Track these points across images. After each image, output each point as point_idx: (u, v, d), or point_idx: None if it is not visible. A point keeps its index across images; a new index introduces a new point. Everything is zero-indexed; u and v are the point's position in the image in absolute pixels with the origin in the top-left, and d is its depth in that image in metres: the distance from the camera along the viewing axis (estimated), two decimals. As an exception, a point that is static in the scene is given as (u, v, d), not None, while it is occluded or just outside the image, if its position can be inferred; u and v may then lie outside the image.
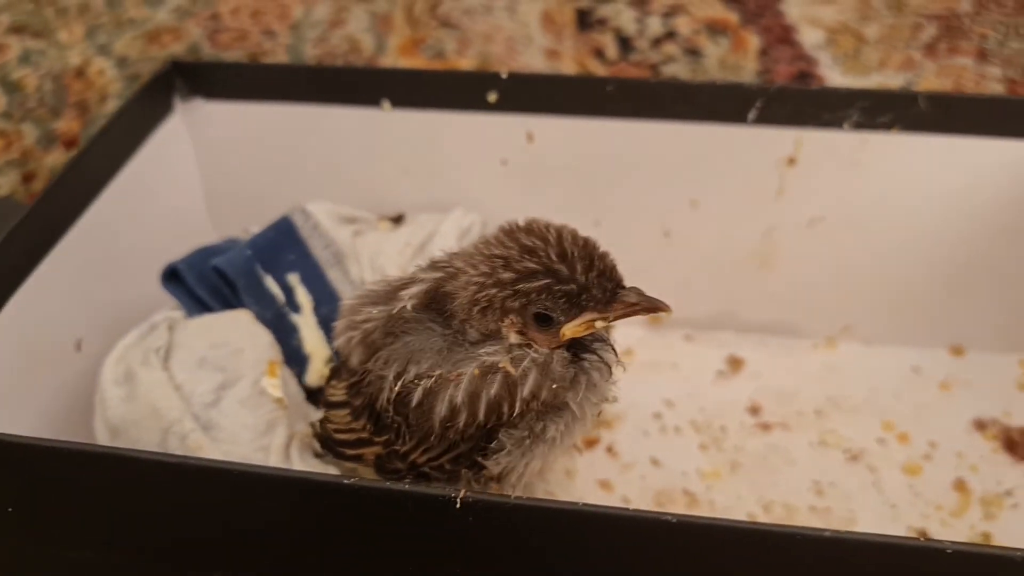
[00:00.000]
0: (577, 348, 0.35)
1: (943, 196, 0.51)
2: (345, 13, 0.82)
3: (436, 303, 0.36)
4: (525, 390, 0.33)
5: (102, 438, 0.44)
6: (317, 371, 0.48)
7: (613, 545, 0.32)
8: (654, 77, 0.73)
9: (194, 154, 0.57)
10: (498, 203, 0.55)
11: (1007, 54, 0.73)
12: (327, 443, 0.41)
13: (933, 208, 0.52)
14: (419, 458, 0.36)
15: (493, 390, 0.33)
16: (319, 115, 0.54)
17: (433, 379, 0.34)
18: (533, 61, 0.75)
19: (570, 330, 0.34)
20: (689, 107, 0.50)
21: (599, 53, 0.76)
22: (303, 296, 0.49)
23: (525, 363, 0.33)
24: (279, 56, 0.78)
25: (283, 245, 0.50)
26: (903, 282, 0.55)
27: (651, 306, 0.34)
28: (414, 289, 0.36)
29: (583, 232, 0.56)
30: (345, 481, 0.32)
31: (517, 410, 0.33)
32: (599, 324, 0.34)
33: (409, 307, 0.36)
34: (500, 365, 0.33)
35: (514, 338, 0.34)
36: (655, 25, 0.78)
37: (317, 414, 0.45)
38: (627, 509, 0.31)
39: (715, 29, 0.77)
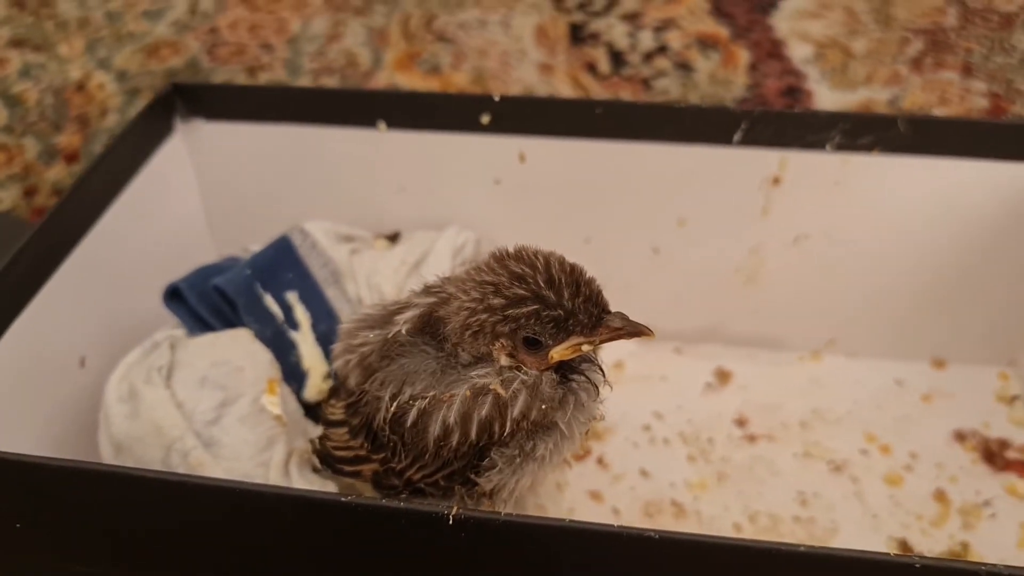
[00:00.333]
0: (565, 369, 0.36)
1: (923, 214, 0.53)
2: (342, 28, 0.83)
3: (430, 327, 0.37)
4: (515, 410, 0.34)
5: (106, 454, 0.45)
6: (315, 387, 0.49)
7: (600, 560, 0.33)
8: (646, 91, 0.75)
9: (194, 174, 0.58)
10: (491, 221, 0.56)
11: (991, 68, 0.74)
12: (326, 459, 0.43)
13: (913, 226, 0.53)
14: (414, 475, 0.37)
15: (484, 411, 0.34)
16: (317, 136, 0.55)
17: (427, 400, 0.35)
18: (527, 75, 0.77)
19: (558, 353, 0.35)
20: (677, 129, 0.51)
21: (591, 68, 0.77)
22: (301, 314, 0.50)
23: (515, 385, 0.35)
24: (277, 70, 0.79)
25: (282, 264, 0.51)
26: (886, 297, 0.56)
27: (635, 331, 0.35)
28: (408, 314, 0.38)
29: (574, 248, 0.58)
30: (342, 499, 0.33)
31: (508, 430, 0.35)
32: (585, 347, 0.35)
33: (404, 331, 0.37)
34: (491, 387, 0.35)
35: (504, 360, 0.35)
36: (647, 40, 0.79)
37: (316, 430, 0.47)
38: (612, 526, 0.32)
39: (706, 43, 0.79)
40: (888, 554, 0.32)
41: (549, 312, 0.34)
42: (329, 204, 0.57)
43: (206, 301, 0.50)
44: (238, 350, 0.46)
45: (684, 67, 0.77)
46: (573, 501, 0.50)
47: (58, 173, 0.73)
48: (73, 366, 0.49)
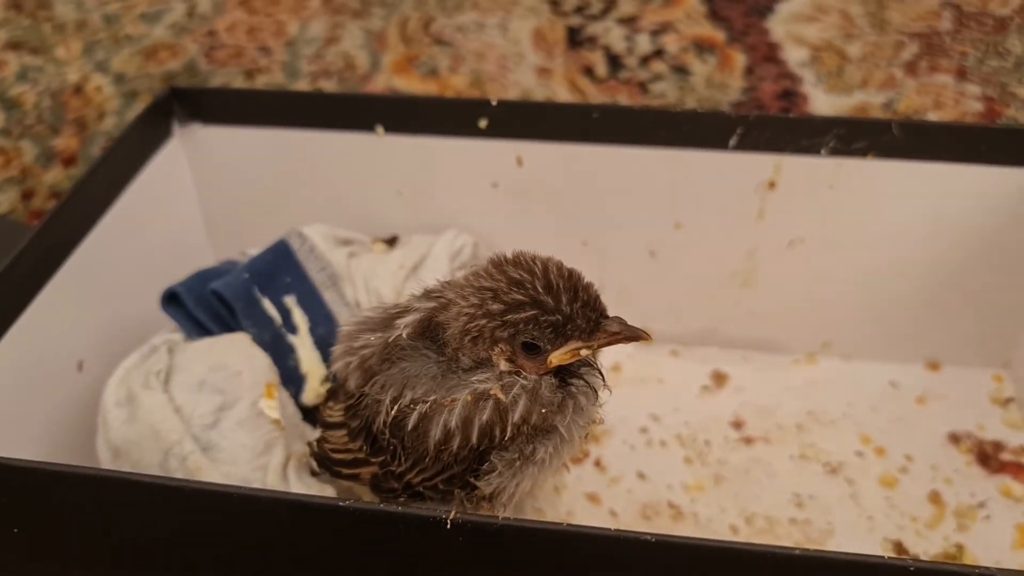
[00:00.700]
0: (564, 373, 0.37)
1: (917, 218, 0.53)
2: (340, 30, 0.83)
3: (430, 332, 0.37)
4: (515, 415, 0.35)
5: (104, 459, 0.45)
6: (313, 390, 0.49)
7: (597, 563, 0.33)
8: (643, 95, 0.75)
9: (192, 178, 0.58)
10: (489, 225, 0.57)
11: (986, 72, 0.75)
12: (324, 462, 0.43)
13: (908, 229, 0.54)
14: (414, 478, 0.37)
15: (485, 415, 0.35)
16: (315, 140, 0.55)
17: (428, 404, 0.35)
18: (524, 78, 0.77)
19: (556, 358, 0.35)
20: (673, 133, 0.52)
21: (589, 71, 0.78)
22: (299, 317, 0.50)
23: (515, 390, 0.35)
24: (275, 72, 0.79)
25: (280, 268, 0.51)
26: (881, 300, 0.56)
27: (632, 335, 0.35)
28: (409, 318, 0.38)
29: (571, 252, 0.58)
30: (340, 503, 0.33)
31: (508, 434, 0.35)
32: (584, 352, 0.35)
33: (404, 335, 0.37)
34: (491, 391, 0.35)
35: (504, 365, 0.36)
36: (644, 43, 0.80)
37: (314, 433, 0.47)
38: (609, 529, 0.32)
39: (702, 47, 0.79)
40: (883, 557, 0.32)
41: (547, 317, 0.34)
42: (327, 208, 0.57)
43: (204, 305, 0.50)
44: (236, 354, 0.46)
45: (681, 70, 0.77)
46: (571, 504, 0.50)
47: (55, 176, 0.73)
48: (71, 370, 0.49)
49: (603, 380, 0.38)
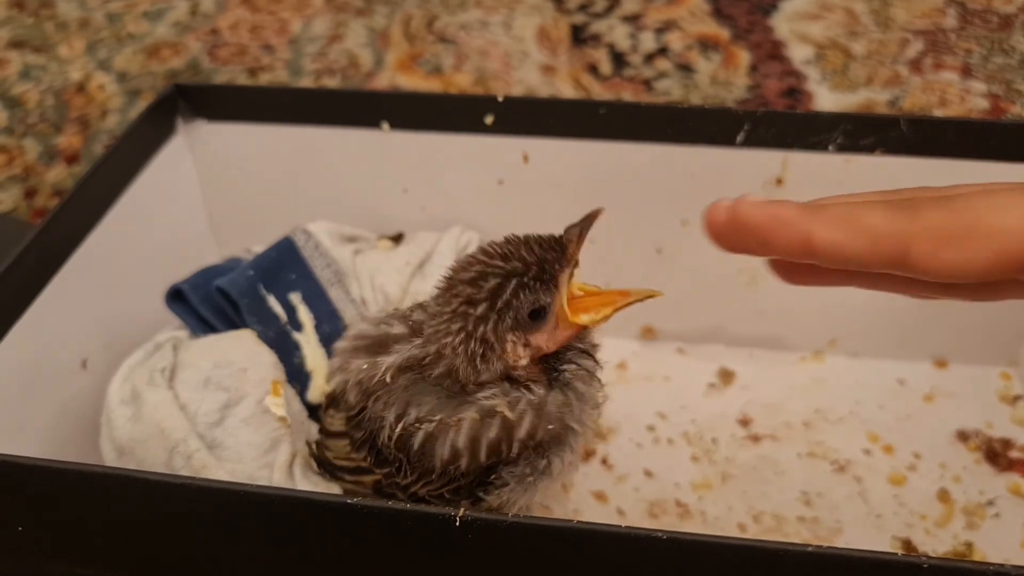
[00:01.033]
0: (555, 361, 0.36)
1: (926, 215, 0.53)
2: (343, 28, 0.83)
3: (414, 370, 0.36)
4: (522, 431, 0.34)
5: (109, 457, 0.45)
6: (319, 387, 0.49)
7: (607, 560, 0.33)
8: (647, 92, 0.75)
9: (197, 175, 0.58)
10: (494, 221, 0.56)
11: (991, 69, 0.74)
12: (324, 465, 0.43)
13: (916, 226, 0.53)
14: (419, 490, 0.37)
15: (492, 433, 0.34)
16: (320, 136, 0.55)
17: (434, 424, 0.35)
18: (528, 76, 0.77)
19: (566, 304, 0.34)
20: (680, 129, 0.51)
21: (593, 69, 0.78)
22: (305, 315, 0.50)
23: (521, 406, 0.34)
24: (278, 70, 0.79)
25: (285, 265, 0.51)
26: (887, 297, 0.55)
27: (591, 219, 0.36)
28: (390, 360, 0.37)
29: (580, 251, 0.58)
30: (348, 501, 0.33)
31: (515, 451, 0.35)
32: (576, 275, 0.35)
33: (388, 379, 0.36)
34: (498, 408, 0.34)
35: (523, 358, 0.35)
36: (648, 41, 0.80)
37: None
38: (619, 526, 0.32)
39: (707, 45, 0.79)
40: (896, 554, 0.32)
41: (528, 274, 0.34)
42: (332, 205, 0.57)
43: (209, 302, 0.49)
44: (241, 351, 0.46)
45: (685, 68, 0.77)
46: (577, 502, 0.50)
47: (58, 174, 0.72)
48: (75, 368, 0.48)
49: (595, 360, 0.37)
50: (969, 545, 0.47)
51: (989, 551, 0.47)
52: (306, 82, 0.77)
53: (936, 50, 0.77)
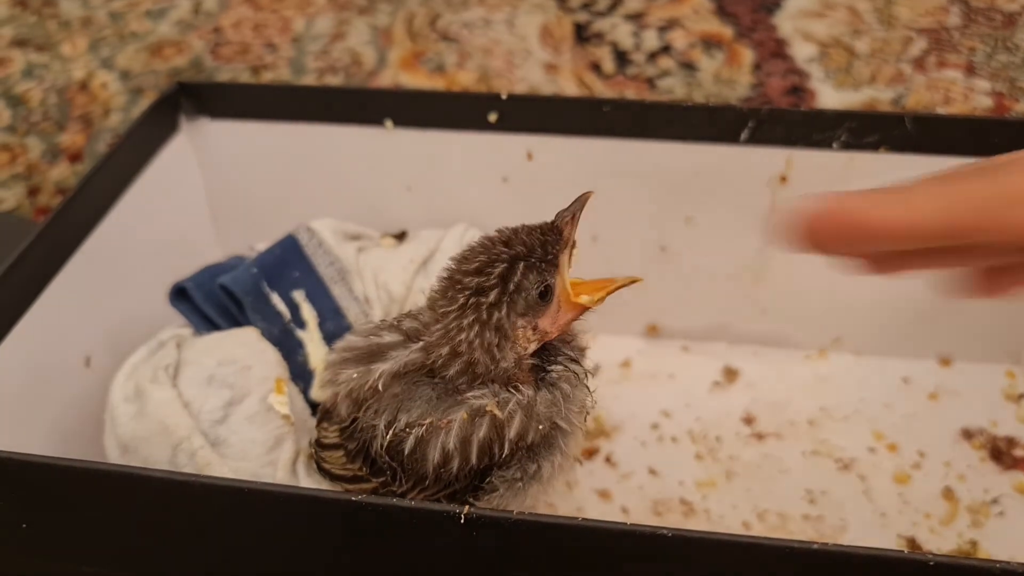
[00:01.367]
0: (544, 362, 0.37)
1: (931, 212, 0.53)
2: (346, 27, 0.83)
3: (407, 377, 0.37)
4: (512, 431, 0.34)
5: (113, 455, 0.45)
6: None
7: (612, 558, 0.33)
8: (650, 90, 0.75)
9: (200, 173, 0.58)
10: (499, 219, 0.55)
11: (995, 67, 0.74)
12: (323, 473, 0.42)
13: (921, 224, 0.53)
14: (415, 497, 0.37)
15: (482, 432, 0.34)
16: (323, 134, 0.55)
17: (424, 427, 0.35)
18: (531, 74, 0.77)
19: (568, 283, 0.35)
20: (684, 127, 0.51)
21: (596, 67, 0.77)
22: (308, 312, 0.50)
23: (510, 406, 0.35)
24: (281, 69, 0.79)
25: (288, 262, 0.51)
26: (892, 295, 0.56)
27: (581, 202, 0.36)
28: (386, 367, 0.37)
29: (581, 246, 0.57)
30: (352, 498, 0.33)
31: (506, 451, 0.35)
32: (575, 254, 0.36)
33: (380, 387, 0.36)
34: (487, 408, 0.34)
35: (533, 344, 0.35)
36: (651, 39, 0.79)
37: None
38: (625, 524, 0.32)
39: (710, 43, 0.79)
40: (903, 552, 0.32)
41: (531, 256, 0.35)
42: (336, 202, 0.56)
43: (212, 300, 0.49)
44: (245, 349, 0.46)
45: (688, 66, 0.77)
46: (581, 500, 0.50)
47: (61, 172, 0.72)
48: (78, 366, 0.48)
49: (582, 366, 0.38)
50: (974, 544, 0.47)
51: (994, 549, 0.47)
52: (309, 80, 0.77)
53: (940, 48, 0.76)
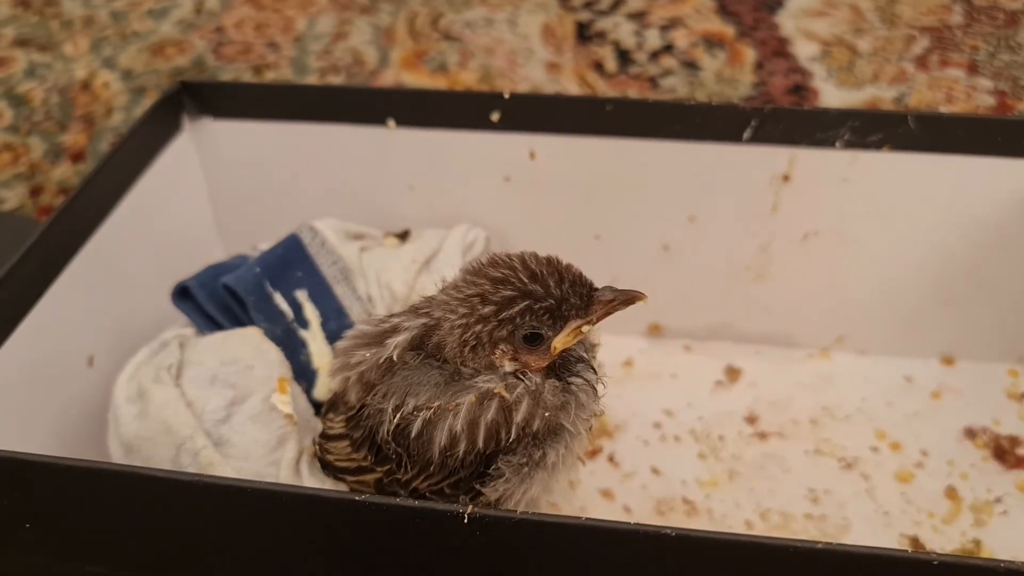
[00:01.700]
0: (562, 371, 0.36)
1: (932, 211, 0.53)
2: (348, 26, 0.83)
3: (423, 350, 0.37)
4: (519, 416, 0.34)
5: (116, 455, 0.45)
6: (325, 385, 0.49)
7: (615, 557, 0.33)
8: (653, 89, 0.75)
9: (203, 172, 0.58)
10: (501, 219, 0.56)
11: (997, 66, 0.74)
12: (327, 468, 0.43)
13: (923, 222, 0.53)
14: (420, 484, 0.37)
15: (490, 415, 0.34)
16: (326, 133, 0.55)
17: (432, 410, 0.35)
18: (534, 73, 0.77)
19: (560, 342, 0.35)
20: (687, 126, 0.51)
21: (598, 66, 0.77)
22: (311, 312, 0.50)
23: (518, 390, 0.35)
24: (283, 68, 0.79)
25: (291, 262, 0.51)
26: (895, 294, 0.56)
27: (628, 299, 0.35)
28: (399, 338, 0.37)
29: (584, 246, 0.58)
30: (355, 498, 0.33)
31: (513, 435, 0.35)
32: (585, 329, 0.35)
33: (395, 357, 0.37)
34: (495, 391, 0.35)
35: (508, 366, 0.35)
36: (653, 38, 0.79)
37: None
38: (628, 524, 0.32)
39: (712, 42, 0.79)
40: (907, 551, 0.32)
41: (541, 304, 0.34)
42: (338, 202, 0.56)
43: (215, 299, 0.49)
44: (248, 348, 0.46)
45: (690, 65, 0.77)
46: (584, 499, 0.50)
47: (64, 172, 0.73)
48: (81, 366, 0.48)
49: (597, 374, 0.38)
50: (977, 543, 0.47)
51: (997, 549, 0.47)
52: (311, 80, 0.77)
53: (942, 47, 0.76)
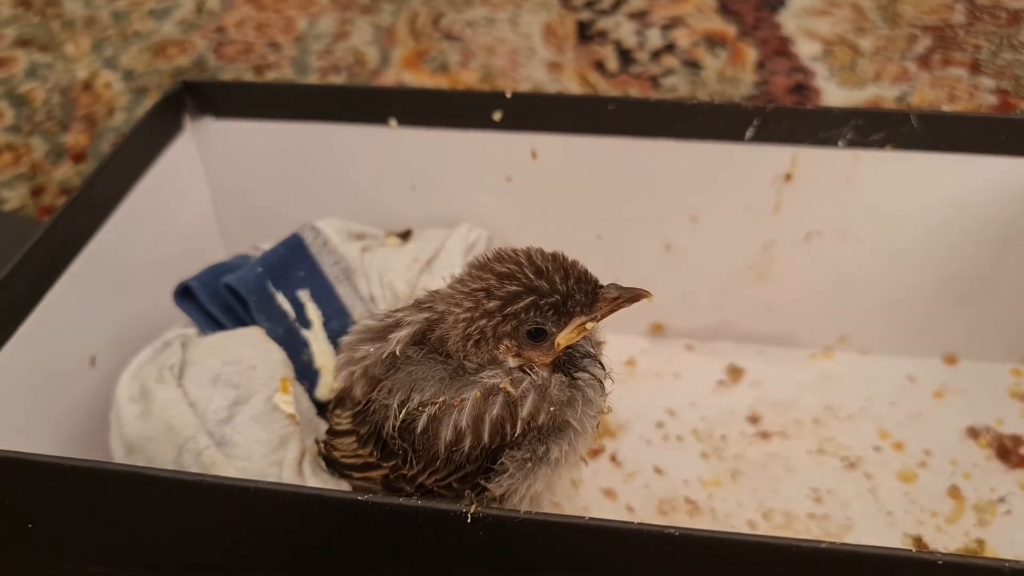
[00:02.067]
0: (569, 367, 0.36)
1: (935, 210, 0.52)
2: (349, 26, 0.83)
3: (426, 344, 0.37)
4: (524, 411, 0.34)
5: (118, 454, 0.45)
6: (327, 385, 0.49)
7: (619, 557, 0.33)
8: (654, 88, 0.75)
9: (204, 172, 0.58)
10: (503, 218, 0.56)
11: (1000, 65, 0.74)
12: (332, 464, 0.43)
13: (925, 221, 0.53)
14: (426, 480, 0.37)
15: (495, 411, 0.34)
16: (328, 133, 0.55)
17: (437, 406, 0.35)
18: (535, 73, 0.77)
19: (564, 338, 0.35)
20: (689, 125, 0.51)
21: (600, 65, 0.77)
22: (313, 312, 0.50)
23: (524, 385, 0.35)
24: (284, 68, 0.79)
25: (293, 262, 0.51)
26: (897, 293, 0.56)
27: (633, 296, 0.35)
28: (402, 333, 0.37)
29: (585, 245, 0.58)
30: (358, 498, 0.33)
31: (518, 430, 0.35)
32: (589, 326, 0.35)
33: (398, 352, 0.37)
34: (500, 386, 0.34)
35: (512, 362, 0.35)
36: (655, 38, 0.79)
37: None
38: (632, 523, 0.32)
39: (714, 41, 0.79)
40: (910, 551, 0.32)
41: (546, 300, 0.34)
42: (340, 202, 0.56)
43: (217, 299, 0.49)
44: (250, 348, 0.46)
45: (692, 65, 0.76)
46: (587, 499, 0.50)
47: (65, 172, 0.73)
48: (84, 365, 0.48)
49: (605, 369, 0.38)
50: (980, 542, 0.47)
51: (1000, 548, 0.47)
52: (312, 80, 0.77)
53: (944, 46, 0.76)
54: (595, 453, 0.53)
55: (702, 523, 0.48)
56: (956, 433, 0.53)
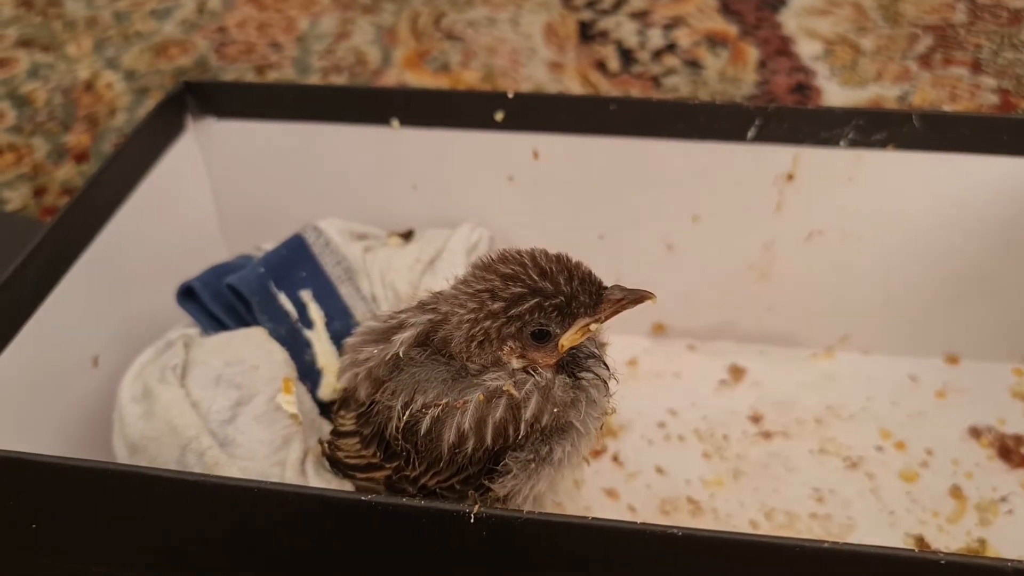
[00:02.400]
0: (573, 367, 0.36)
1: (937, 210, 0.52)
2: (351, 26, 0.83)
3: (430, 346, 0.37)
4: (527, 413, 0.34)
5: (121, 455, 0.45)
6: (330, 385, 0.49)
7: (621, 557, 0.33)
8: (656, 88, 0.75)
9: (206, 172, 0.58)
10: (505, 218, 0.56)
11: (1001, 64, 0.74)
12: (336, 464, 0.43)
13: (927, 221, 0.53)
14: (428, 481, 0.37)
15: (499, 413, 0.34)
16: (330, 133, 0.55)
17: (440, 408, 0.35)
18: (536, 73, 0.77)
19: (568, 339, 0.35)
20: (690, 125, 0.51)
21: (601, 65, 0.77)
22: (315, 312, 0.50)
23: (527, 387, 0.35)
24: (285, 68, 0.79)
25: (295, 262, 0.51)
26: (899, 293, 0.56)
27: (636, 298, 0.35)
28: (405, 334, 0.37)
29: (587, 245, 0.58)
30: (361, 498, 0.33)
31: (522, 432, 0.35)
32: (593, 327, 0.35)
33: (401, 353, 0.37)
34: (504, 388, 0.35)
35: (516, 363, 0.35)
36: (656, 37, 0.79)
37: (330, 429, 0.46)
38: (635, 523, 0.32)
39: (715, 41, 0.79)
40: (913, 550, 0.31)
41: (550, 301, 0.34)
42: (342, 202, 0.56)
43: (220, 300, 0.49)
44: (253, 349, 0.46)
45: (693, 65, 0.77)
46: (588, 499, 0.50)
47: (67, 173, 0.73)
48: (86, 366, 0.48)
49: (609, 370, 0.38)
50: (982, 542, 0.47)
51: (1003, 548, 0.47)
52: (313, 80, 0.77)
53: (945, 45, 0.76)
54: (597, 453, 0.53)
55: (704, 523, 0.48)
56: (958, 433, 0.53)
